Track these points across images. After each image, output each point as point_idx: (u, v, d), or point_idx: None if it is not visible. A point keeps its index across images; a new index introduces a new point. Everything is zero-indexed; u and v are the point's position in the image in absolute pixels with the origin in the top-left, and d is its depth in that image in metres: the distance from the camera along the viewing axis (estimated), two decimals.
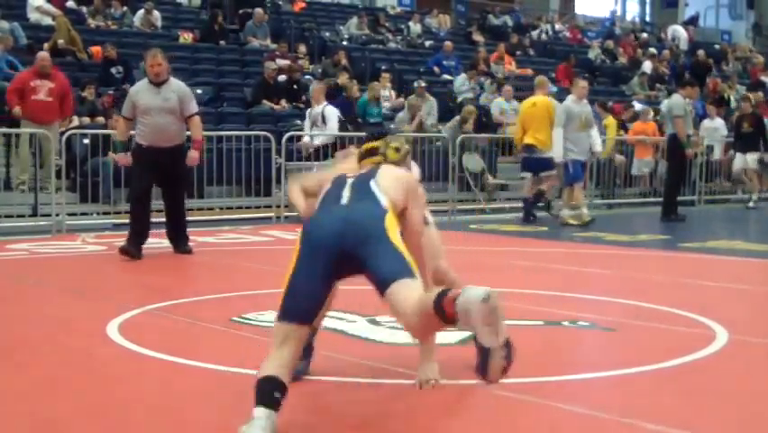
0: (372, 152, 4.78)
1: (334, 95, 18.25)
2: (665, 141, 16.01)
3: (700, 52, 28.86)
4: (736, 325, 6.49)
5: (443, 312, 3.73)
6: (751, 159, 18.61)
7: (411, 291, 3.88)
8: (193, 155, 10.31)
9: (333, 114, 15.59)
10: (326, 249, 4.05)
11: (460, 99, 20.87)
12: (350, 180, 4.44)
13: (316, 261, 4.06)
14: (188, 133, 10.37)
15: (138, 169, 10.29)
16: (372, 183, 4.39)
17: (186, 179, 11.09)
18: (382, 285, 3.95)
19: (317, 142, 15.55)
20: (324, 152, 14.94)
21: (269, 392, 3.87)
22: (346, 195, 4.32)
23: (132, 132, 10.46)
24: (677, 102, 15.12)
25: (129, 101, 10.25)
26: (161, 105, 10.03)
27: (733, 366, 5.48)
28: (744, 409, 4.58)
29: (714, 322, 6.53)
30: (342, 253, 4.03)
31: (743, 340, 6.09)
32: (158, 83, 10.10)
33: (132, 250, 9.94)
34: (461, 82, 21.77)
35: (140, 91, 10.20)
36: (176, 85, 10.29)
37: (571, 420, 4.37)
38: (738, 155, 18.78)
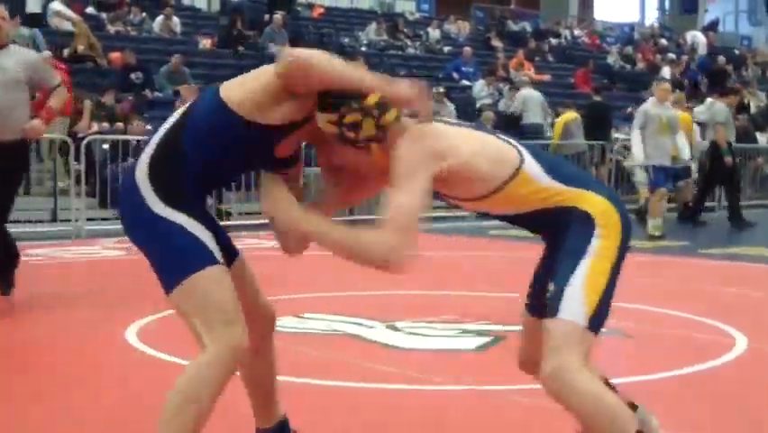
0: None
1: None
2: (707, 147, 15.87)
3: (721, 58, 28.73)
4: (757, 332, 6.46)
5: None
6: None
7: None
8: (35, 124, 7.26)
9: None
10: None
11: (478, 105, 20.86)
12: None
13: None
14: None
15: None
16: None
17: (14, 189, 7.54)
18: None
19: None
20: None
21: None
22: None
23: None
24: (720, 109, 15.13)
25: None
26: None
27: (751, 374, 5.46)
28: (760, 418, 4.56)
29: (734, 329, 6.51)
30: None
31: (763, 348, 6.06)
32: None
33: None
34: (480, 88, 21.76)
35: None
36: (20, 52, 7.53)
37: None
38: None
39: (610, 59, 28.07)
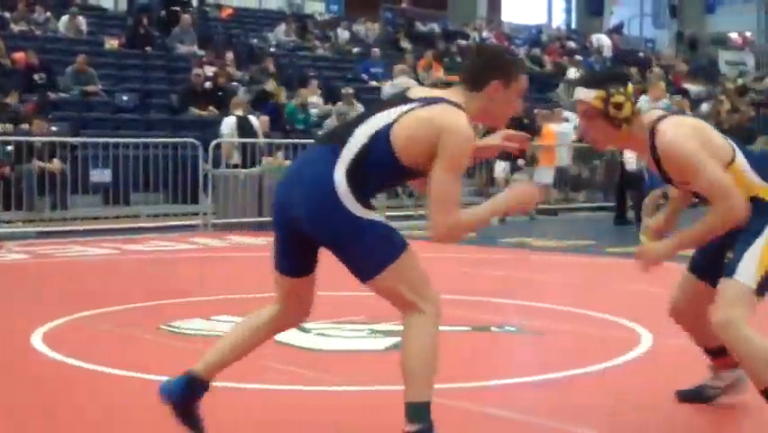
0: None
1: (262, 102, 18.21)
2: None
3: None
4: (661, 328, 6.55)
5: None
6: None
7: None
8: None
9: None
10: None
11: None
12: None
13: None
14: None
15: None
16: None
17: None
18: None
19: None
20: None
21: None
22: None
23: None
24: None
25: None
26: None
27: (657, 369, 5.55)
28: (665, 412, 4.63)
29: (639, 326, 6.60)
30: None
31: (667, 343, 6.16)
32: None
33: None
34: (389, 89, 21.81)
35: None
36: None
37: (497, 425, 4.39)
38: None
39: None
